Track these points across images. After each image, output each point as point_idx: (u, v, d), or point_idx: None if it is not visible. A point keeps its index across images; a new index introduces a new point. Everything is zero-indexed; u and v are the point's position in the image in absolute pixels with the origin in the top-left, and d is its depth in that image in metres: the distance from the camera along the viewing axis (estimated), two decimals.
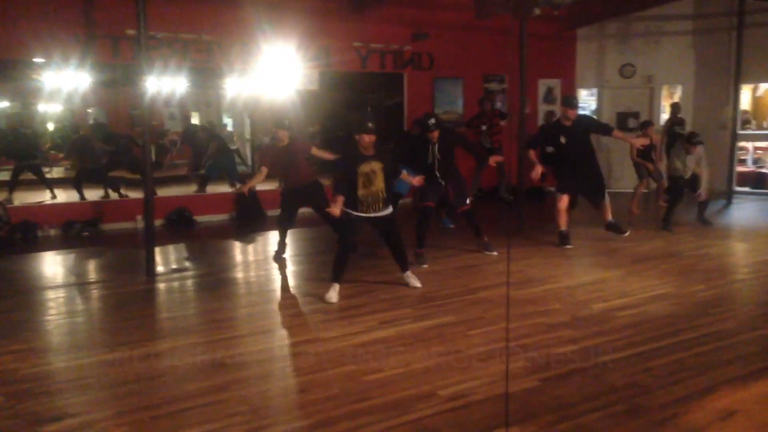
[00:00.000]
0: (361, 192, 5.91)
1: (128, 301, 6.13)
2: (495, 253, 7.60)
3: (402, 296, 6.03)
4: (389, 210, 6.13)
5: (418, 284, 6.25)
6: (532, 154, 8.19)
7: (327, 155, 7.66)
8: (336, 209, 5.84)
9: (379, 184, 5.96)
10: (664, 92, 13.86)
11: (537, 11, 10.31)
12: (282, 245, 7.51)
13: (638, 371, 4.20)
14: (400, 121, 12.24)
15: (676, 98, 13.74)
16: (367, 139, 5.84)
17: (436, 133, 7.23)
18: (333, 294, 5.87)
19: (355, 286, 6.34)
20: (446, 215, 9.11)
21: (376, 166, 5.93)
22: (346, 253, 6.05)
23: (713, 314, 5.37)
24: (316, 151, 7.64)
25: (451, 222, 9.16)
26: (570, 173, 7.98)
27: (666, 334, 4.88)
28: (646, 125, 10.16)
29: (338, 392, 3.93)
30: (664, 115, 13.65)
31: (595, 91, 14.24)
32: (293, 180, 7.38)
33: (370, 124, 5.86)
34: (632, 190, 10.79)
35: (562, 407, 3.70)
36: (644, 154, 10.24)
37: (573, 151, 7.89)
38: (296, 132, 8.18)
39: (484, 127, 11.60)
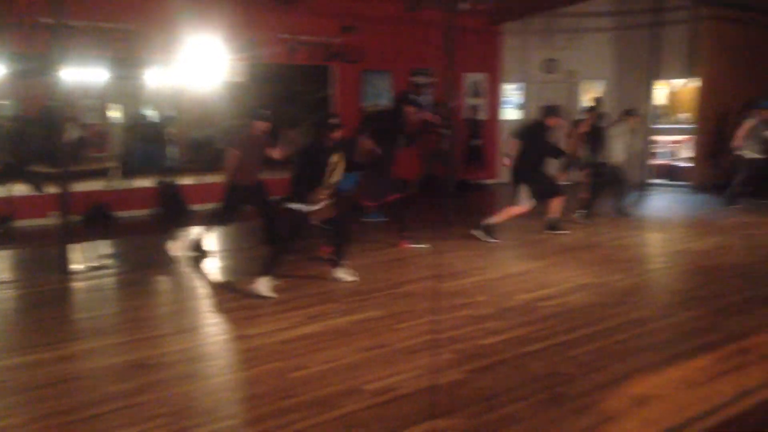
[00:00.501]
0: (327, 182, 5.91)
1: (43, 302, 5.90)
2: (424, 246, 7.61)
3: (329, 291, 6.01)
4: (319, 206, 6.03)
5: (351, 278, 6.27)
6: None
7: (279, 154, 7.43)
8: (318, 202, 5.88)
9: (337, 176, 5.99)
10: (586, 87, 14.23)
11: (465, 5, 10.45)
12: (202, 238, 7.37)
13: (560, 360, 4.30)
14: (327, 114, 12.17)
15: (597, 93, 14.14)
16: (336, 133, 5.99)
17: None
18: (267, 287, 5.78)
19: (282, 281, 6.27)
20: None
21: (339, 158, 5.97)
22: (288, 249, 6.05)
23: (630, 303, 5.56)
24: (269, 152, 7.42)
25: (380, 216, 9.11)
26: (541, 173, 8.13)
27: (586, 323, 5.02)
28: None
29: (264, 390, 3.88)
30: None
31: (520, 85, 14.51)
32: (248, 176, 7.20)
33: (334, 120, 6.06)
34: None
35: (488, 398, 3.75)
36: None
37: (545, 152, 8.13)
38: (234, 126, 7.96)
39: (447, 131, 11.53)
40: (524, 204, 7.97)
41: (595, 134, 9.99)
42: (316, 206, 5.93)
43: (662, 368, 4.14)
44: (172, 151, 13.55)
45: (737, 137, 10.37)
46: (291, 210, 5.90)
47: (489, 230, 8.08)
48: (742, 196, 10.54)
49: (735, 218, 9.61)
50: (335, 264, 6.30)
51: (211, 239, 7.49)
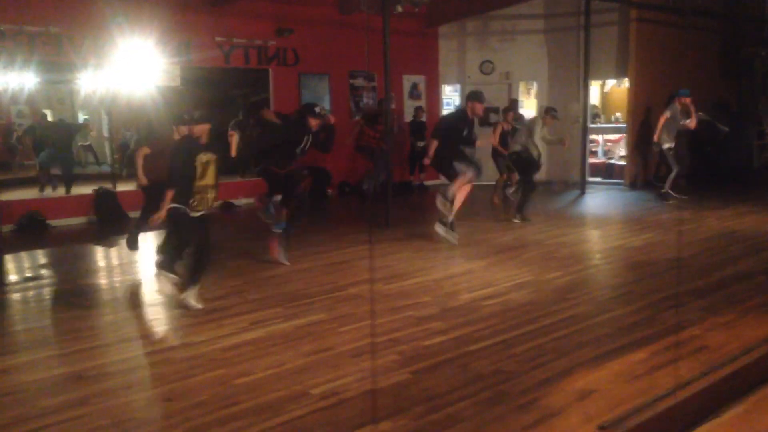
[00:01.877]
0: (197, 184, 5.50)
1: None
2: (286, 263, 7.05)
3: (271, 296, 5.95)
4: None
5: (198, 306, 5.58)
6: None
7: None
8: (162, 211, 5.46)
9: (211, 178, 5.58)
10: (521, 88, 14.50)
11: (399, 8, 10.52)
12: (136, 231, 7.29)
13: (502, 358, 4.36)
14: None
15: (533, 94, 14.44)
16: (201, 128, 5.53)
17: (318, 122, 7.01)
18: (193, 298, 5.58)
19: (223, 287, 6.20)
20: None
21: (211, 157, 5.57)
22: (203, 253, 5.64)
23: (569, 299, 5.67)
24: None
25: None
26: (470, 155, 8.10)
27: (527, 321, 5.10)
28: (507, 111, 10.70)
29: (207, 398, 3.82)
30: (523, 111, 14.28)
31: (457, 86, 14.67)
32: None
33: (198, 114, 5.74)
34: (494, 182, 11.18)
35: (432, 398, 3.78)
36: (503, 142, 10.62)
37: (471, 139, 8.05)
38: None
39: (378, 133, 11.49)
40: (462, 177, 7.77)
41: (511, 134, 10.26)
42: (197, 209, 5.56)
43: (602, 363, 4.24)
44: (107, 156, 13.24)
45: (657, 130, 10.70)
46: (174, 212, 5.49)
47: (447, 225, 7.87)
48: (677, 188, 10.92)
49: (668, 214, 9.92)
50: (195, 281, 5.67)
51: (147, 244, 7.33)
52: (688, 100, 10.58)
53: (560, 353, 4.42)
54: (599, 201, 11.67)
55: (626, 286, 6.14)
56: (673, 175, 10.82)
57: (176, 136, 6.72)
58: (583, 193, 12.38)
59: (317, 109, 7.02)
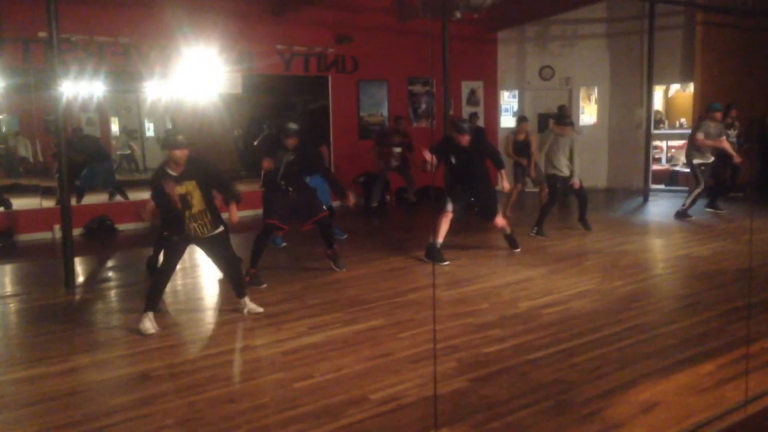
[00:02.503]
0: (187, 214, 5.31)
1: (47, 315, 5.89)
2: (343, 270, 7.05)
3: (331, 301, 6.00)
4: (220, 229, 5.51)
5: (259, 309, 5.68)
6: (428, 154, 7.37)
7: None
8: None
9: (199, 204, 5.33)
10: (582, 93, 14.28)
11: (458, 14, 10.49)
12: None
13: (564, 367, 4.29)
14: (326, 124, 12.22)
15: (594, 100, 14.21)
16: (179, 153, 5.17)
17: (294, 140, 6.57)
18: (149, 324, 5.23)
19: (283, 292, 6.28)
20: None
21: (188, 186, 5.28)
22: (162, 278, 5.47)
23: (633, 309, 5.55)
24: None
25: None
26: (460, 192, 7.60)
27: (589, 330, 5.01)
28: (522, 120, 10.43)
29: (268, 400, 3.88)
30: (584, 116, 14.09)
31: (516, 92, 14.56)
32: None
33: (180, 138, 5.20)
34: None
35: (491, 406, 3.74)
36: (520, 150, 10.41)
37: (464, 171, 7.53)
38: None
39: (398, 149, 11.22)
40: (444, 211, 7.53)
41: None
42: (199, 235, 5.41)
43: (667, 374, 4.13)
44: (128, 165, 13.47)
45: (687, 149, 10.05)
46: (164, 237, 5.51)
47: (433, 250, 7.33)
48: (710, 205, 10.50)
49: (737, 223, 9.62)
50: (239, 295, 5.73)
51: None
52: (719, 115, 9.91)
53: (624, 363, 4.33)
54: (663, 209, 11.38)
55: (693, 296, 5.97)
56: (696, 191, 9.97)
57: None
58: (646, 200, 12.11)
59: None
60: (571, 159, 8.83)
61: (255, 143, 7.83)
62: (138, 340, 5.06)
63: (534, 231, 8.77)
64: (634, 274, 6.74)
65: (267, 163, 6.52)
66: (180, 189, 5.19)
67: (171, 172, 5.22)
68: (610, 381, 4.05)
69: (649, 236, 9.15)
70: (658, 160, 13.87)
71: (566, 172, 8.83)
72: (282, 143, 6.58)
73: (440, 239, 7.47)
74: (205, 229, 5.40)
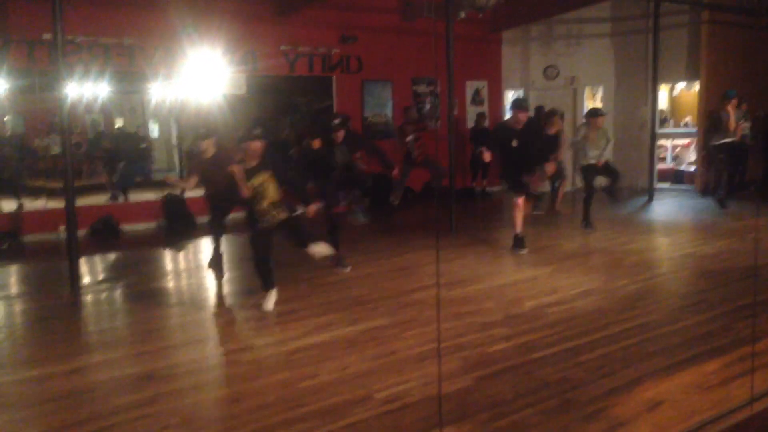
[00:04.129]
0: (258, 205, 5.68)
1: (52, 315, 5.91)
2: (347, 269, 7.12)
3: (336, 300, 6.00)
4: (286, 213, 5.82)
5: (326, 251, 6.11)
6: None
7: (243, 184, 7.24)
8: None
9: (273, 194, 5.69)
10: (587, 93, 14.25)
11: (462, 14, 10.50)
12: (216, 252, 7.32)
13: (569, 366, 4.28)
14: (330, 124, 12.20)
15: (599, 99, 14.18)
16: (254, 146, 5.57)
17: (341, 133, 6.95)
18: (271, 302, 5.74)
19: (289, 291, 6.27)
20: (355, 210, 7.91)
21: (263, 177, 5.67)
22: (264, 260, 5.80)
23: (638, 308, 5.53)
24: (237, 172, 7.23)
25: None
26: (518, 175, 7.80)
27: (594, 329, 5.00)
28: (552, 114, 10.42)
29: (273, 400, 3.88)
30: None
31: (520, 92, 14.53)
32: (211, 188, 7.15)
33: (257, 131, 5.62)
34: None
35: (496, 405, 3.74)
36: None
37: (523, 152, 7.68)
38: (223, 141, 7.83)
39: (410, 137, 11.27)
40: (514, 200, 7.79)
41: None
42: (268, 221, 5.72)
43: (673, 373, 4.12)
44: (175, 163, 13.55)
45: (730, 128, 10.32)
46: (250, 225, 5.79)
47: (518, 241, 7.80)
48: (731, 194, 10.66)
49: (742, 222, 9.59)
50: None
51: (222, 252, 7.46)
52: (735, 102, 10.28)
53: (629, 362, 4.32)
54: (668, 208, 11.36)
55: (698, 295, 5.95)
56: (725, 178, 10.55)
57: (208, 152, 6.85)
58: (651, 199, 12.07)
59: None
60: (605, 147, 9.21)
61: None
62: (142, 340, 5.08)
63: (583, 224, 9.10)
64: (639, 273, 6.72)
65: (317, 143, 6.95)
66: (255, 180, 5.57)
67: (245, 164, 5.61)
68: (615, 379, 4.04)
69: (654, 235, 9.12)
70: (663, 159, 13.83)
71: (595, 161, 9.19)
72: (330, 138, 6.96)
73: (519, 229, 7.77)
74: (273, 220, 5.69)
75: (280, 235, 5.89)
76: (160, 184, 11.66)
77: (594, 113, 9.41)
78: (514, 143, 7.59)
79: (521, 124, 7.63)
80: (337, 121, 6.98)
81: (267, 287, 5.78)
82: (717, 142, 10.29)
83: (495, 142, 7.79)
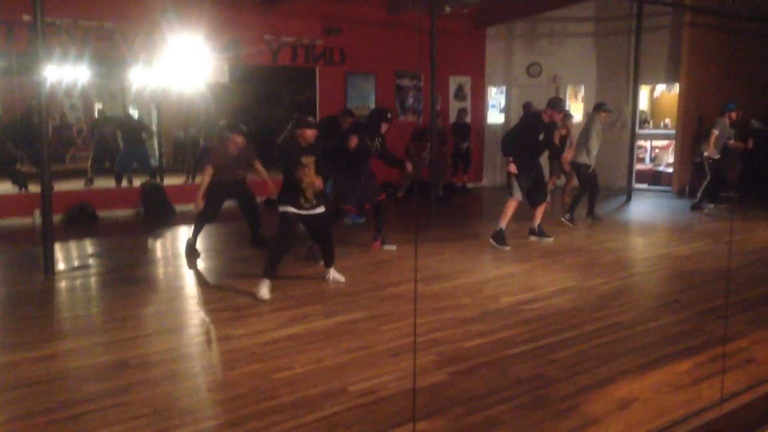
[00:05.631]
0: (303, 185, 5.86)
1: (25, 301, 5.85)
2: (394, 247, 7.67)
3: (312, 292, 5.99)
4: (322, 208, 6.07)
5: (341, 278, 6.31)
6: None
7: (264, 175, 7.46)
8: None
9: (313, 177, 5.92)
10: (569, 91, 14.32)
11: (447, 9, 10.51)
12: (194, 239, 7.34)
13: (543, 363, 4.31)
14: (312, 115, 12.16)
15: (580, 98, 14.26)
16: (310, 133, 5.91)
17: (385, 126, 7.35)
18: (265, 290, 5.75)
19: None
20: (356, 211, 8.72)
21: (311, 159, 5.93)
22: (279, 251, 5.93)
23: (613, 306, 5.58)
24: (258, 167, 7.48)
25: (360, 217, 9.08)
26: (528, 174, 7.97)
27: (569, 327, 5.04)
28: (567, 117, 10.49)
29: (246, 391, 3.86)
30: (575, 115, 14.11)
31: (503, 88, 14.58)
32: (227, 176, 7.24)
33: (311, 119, 6.02)
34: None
35: (471, 400, 3.75)
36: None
37: (540, 150, 8.08)
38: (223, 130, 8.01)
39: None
40: (512, 198, 7.95)
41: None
42: (307, 210, 5.90)
43: (645, 372, 4.16)
44: (155, 150, 13.48)
45: (710, 146, 10.40)
46: (281, 212, 5.89)
47: (501, 236, 7.88)
48: (710, 199, 10.78)
49: (717, 224, 9.71)
50: (327, 266, 6.33)
51: (198, 239, 7.43)
52: (734, 115, 10.43)
53: (602, 360, 4.35)
54: (645, 208, 11.47)
55: (672, 295, 6.01)
56: (705, 183, 10.65)
57: (240, 145, 7.15)
58: (629, 199, 12.18)
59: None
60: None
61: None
62: (116, 328, 5.03)
63: (590, 218, 9.59)
64: (615, 272, 6.78)
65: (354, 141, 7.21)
66: (305, 159, 5.83)
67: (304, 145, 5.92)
68: (589, 377, 4.07)
69: (631, 235, 9.21)
70: (642, 160, 13.95)
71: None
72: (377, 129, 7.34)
73: (504, 224, 7.91)
74: (310, 204, 5.91)
75: (305, 227, 6.18)
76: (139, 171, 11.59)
77: (603, 107, 9.60)
78: (541, 137, 7.86)
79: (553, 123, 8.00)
80: (389, 115, 7.47)
81: (268, 274, 5.78)
82: (706, 154, 10.45)
83: (533, 135, 7.91)
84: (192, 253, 7.30)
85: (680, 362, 4.31)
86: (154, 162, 12.09)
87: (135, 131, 11.46)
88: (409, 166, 8.10)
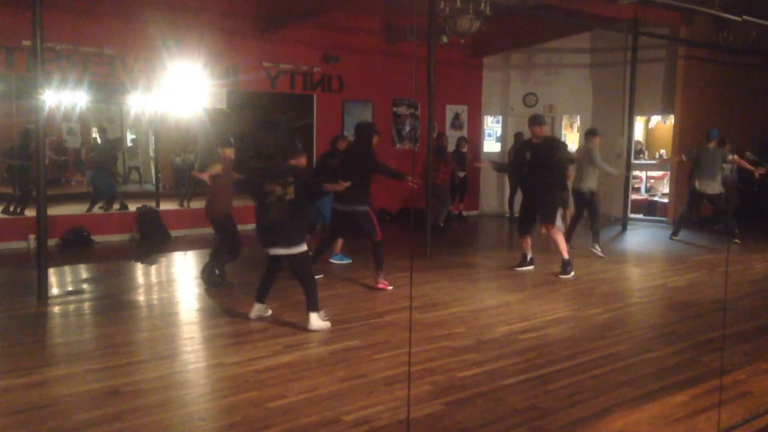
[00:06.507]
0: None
1: (17, 326, 5.80)
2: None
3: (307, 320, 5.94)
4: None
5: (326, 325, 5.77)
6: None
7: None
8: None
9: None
10: (565, 121, 14.42)
11: (444, 38, 10.60)
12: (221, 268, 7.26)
13: (538, 394, 4.29)
14: (309, 142, 12.21)
15: (575, 128, 14.34)
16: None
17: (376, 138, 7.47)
18: (318, 321, 5.68)
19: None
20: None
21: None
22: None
23: (609, 337, 5.56)
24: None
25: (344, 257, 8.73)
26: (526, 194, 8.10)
27: (565, 357, 5.02)
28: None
29: (240, 420, 3.82)
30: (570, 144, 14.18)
31: (499, 117, 14.66)
32: (222, 204, 7.13)
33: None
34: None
35: (465, 431, 3.72)
36: None
37: (534, 170, 7.92)
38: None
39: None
40: (557, 225, 8.09)
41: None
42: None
43: (641, 404, 4.14)
44: (152, 175, 13.46)
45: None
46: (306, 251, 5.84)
47: (567, 264, 8.00)
48: (685, 227, 11.00)
49: (713, 255, 9.72)
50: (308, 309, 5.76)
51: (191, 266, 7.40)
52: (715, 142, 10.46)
53: (598, 392, 4.33)
54: (641, 238, 11.48)
55: (668, 326, 6.00)
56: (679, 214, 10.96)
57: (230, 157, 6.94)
58: (624, 229, 12.20)
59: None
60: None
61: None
62: (109, 354, 4.99)
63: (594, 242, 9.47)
64: (611, 303, 6.77)
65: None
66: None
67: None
68: (584, 409, 4.05)
69: (627, 265, 9.20)
70: (637, 190, 14.00)
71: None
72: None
73: (565, 255, 8.01)
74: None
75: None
76: (137, 196, 11.58)
77: (596, 132, 9.67)
78: (528, 156, 7.90)
79: (538, 138, 7.97)
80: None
81: (315, 308, 5.69)
82: (699, 189, 10.48)
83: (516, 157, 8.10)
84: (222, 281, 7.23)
85: (676, 394, 4.29)
86: (138, 187, 12.11)
87: (105, 159, 11.49)
88: (412, 183, 7.62)
